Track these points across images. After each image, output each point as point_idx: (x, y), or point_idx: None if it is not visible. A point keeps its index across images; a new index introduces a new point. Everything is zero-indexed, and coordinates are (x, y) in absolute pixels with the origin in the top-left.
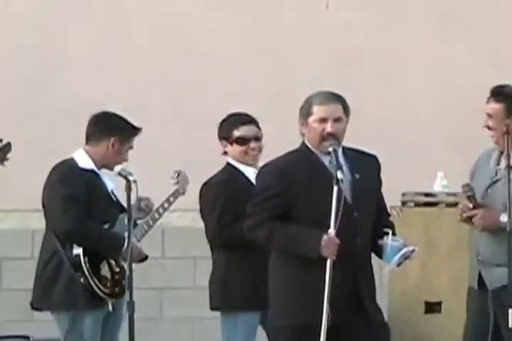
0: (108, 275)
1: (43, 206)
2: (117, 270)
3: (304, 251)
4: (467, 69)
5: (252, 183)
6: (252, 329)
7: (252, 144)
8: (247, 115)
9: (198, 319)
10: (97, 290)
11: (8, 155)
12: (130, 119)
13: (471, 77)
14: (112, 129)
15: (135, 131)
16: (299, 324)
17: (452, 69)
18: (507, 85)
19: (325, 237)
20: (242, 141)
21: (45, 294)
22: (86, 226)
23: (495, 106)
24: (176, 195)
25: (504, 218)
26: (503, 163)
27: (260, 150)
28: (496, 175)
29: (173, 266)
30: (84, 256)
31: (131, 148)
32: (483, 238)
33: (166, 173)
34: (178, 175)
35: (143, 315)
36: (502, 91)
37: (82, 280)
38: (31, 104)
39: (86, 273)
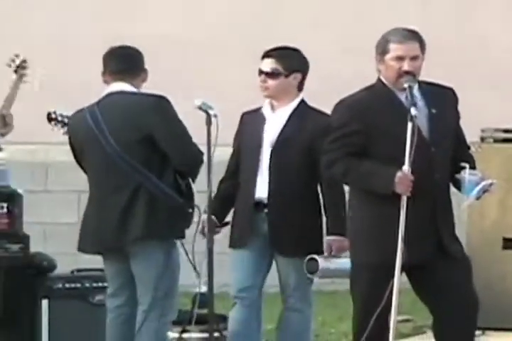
0: None
1: (149, 139)
2: None
3: (378, 187)
4: None
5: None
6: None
7: (259, 79)
8: (277, 49)
9: None
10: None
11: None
12: None
13: None
14: (141, 62)
15: None
16: (377, 262)
17: None
18: None
19: (399, 174)
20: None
21: (146, 224)
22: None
23: None
24: None
25: None
26: None
27: (266, 88)
28: None
29: None
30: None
31: None
32: None
33: None
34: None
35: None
36: None
37: (190, 210)
38: None
39: (195, 202)
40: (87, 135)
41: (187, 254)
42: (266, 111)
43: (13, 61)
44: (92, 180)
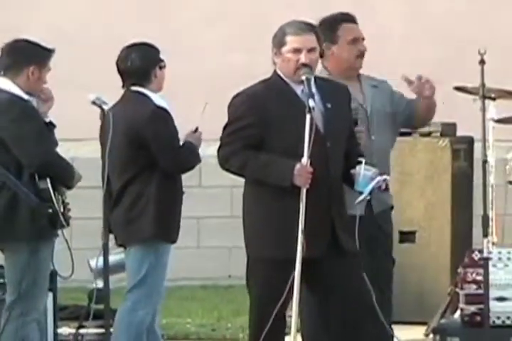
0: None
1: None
2: (63, 199)
3: (277, 180)
4: None
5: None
6: None
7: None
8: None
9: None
10: (62, 219)
11: None
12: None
13: None
14: (28, 58)
15: (50, 53)
16: (272, 256)
17: None
18: None
19: (298, 166)
20: None
21: (3, 225)
22: (58, 156)
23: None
24: None
25: None
26: None
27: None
28: None
29: None
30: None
31: (49, 70)
32: None
33: None
34: None
35: None
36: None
37: (50, 210)
38: None
39: (55, 203)
40: None
41: (70, 250)
42: None
43: None
44: None
